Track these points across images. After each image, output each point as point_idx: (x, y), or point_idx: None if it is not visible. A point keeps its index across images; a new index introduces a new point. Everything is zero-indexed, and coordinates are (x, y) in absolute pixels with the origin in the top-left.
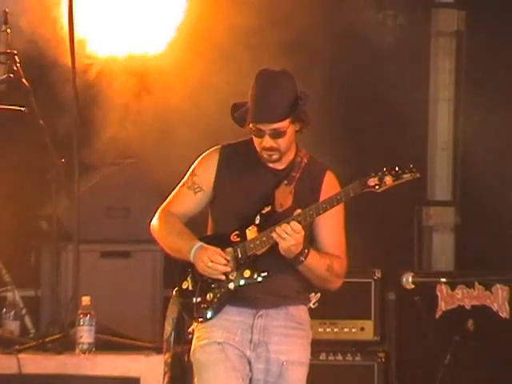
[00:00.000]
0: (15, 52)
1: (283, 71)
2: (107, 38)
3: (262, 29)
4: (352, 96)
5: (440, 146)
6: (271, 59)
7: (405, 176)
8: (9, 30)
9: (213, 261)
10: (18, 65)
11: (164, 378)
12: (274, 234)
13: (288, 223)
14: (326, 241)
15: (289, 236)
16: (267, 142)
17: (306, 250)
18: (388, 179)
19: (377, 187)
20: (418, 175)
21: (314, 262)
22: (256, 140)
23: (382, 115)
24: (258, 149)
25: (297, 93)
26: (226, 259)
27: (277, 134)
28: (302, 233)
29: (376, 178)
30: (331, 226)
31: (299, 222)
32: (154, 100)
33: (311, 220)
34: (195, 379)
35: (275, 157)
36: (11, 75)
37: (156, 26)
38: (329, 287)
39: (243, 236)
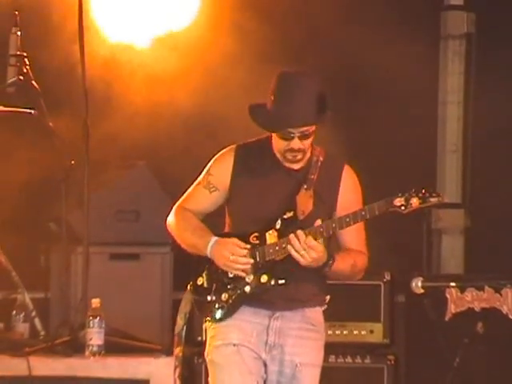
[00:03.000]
0: (25, 54)
1: (303, 72)
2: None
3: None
4: (360, 100)
5: (449, 148)
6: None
7: (432, 200)
8: (19, 33)
9: (234, 254)
10: (28, 67)
11: (175, 373)
12: (291, 250)
13: (296, 237)
14: (348, 237)
15: (306, 253)
16: (296, 144)
17: (331, 261)
18: (414, 201)
19: (403, 208)
20: (445, 200)
21: (340, 267)
22: (281, 143)
23: (391, 118)
24: (282, 150)
25: (323, 95)
26: (246, 248)
27: (306, 136)
28: (320, 248)
29: (402, 199)
30: None
31: (316, 237)
32: (163, 101)
33: (333, 232)
34: (209, 379)
35: (299, 157)
36: (21, 78)
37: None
38: (350, 280)
39: (263, 239)
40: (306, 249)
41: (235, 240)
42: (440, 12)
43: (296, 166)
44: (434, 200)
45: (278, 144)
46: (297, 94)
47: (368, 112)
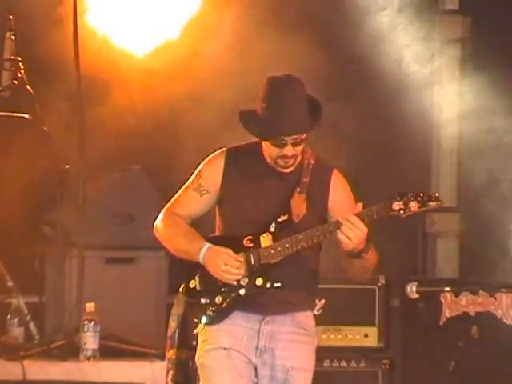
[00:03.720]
0: (19, 59)
1: (291, 77)
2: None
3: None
4: (356, 102)
5: (444, 152)
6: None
7: (431, 204)
8: (13, 37)
9: (227, 264)
10: (23, 71)
11: (167, 375)
12: (340, 236)
13: (349, 220)
14: None
15: (355, 236)
16: (289, 151)
17: (369, 246)
18: (413, 205)
19: (401, 212)
20: (444, 204)
21: (371, 255)
22: (273, 149)
23: (386, 122)
24: (274, 157)
25: (308, 96)
26: (239, 261)
27: (298, 142)
28: (366, 230)
29: (401, 203)
30: None
31: (362, 220)
32: (159, 105)
33: (331, 235)
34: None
35: (291, 163)
36: (15, 82)
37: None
38: (366, 278)
39: (257, 242)
40: (360, 236)
41: (229, 251)
42: (435, 16)
43: (287, 171)
44: (433, 204)
45: (269, 150)
46: (289, 100)
47: (363, 115)
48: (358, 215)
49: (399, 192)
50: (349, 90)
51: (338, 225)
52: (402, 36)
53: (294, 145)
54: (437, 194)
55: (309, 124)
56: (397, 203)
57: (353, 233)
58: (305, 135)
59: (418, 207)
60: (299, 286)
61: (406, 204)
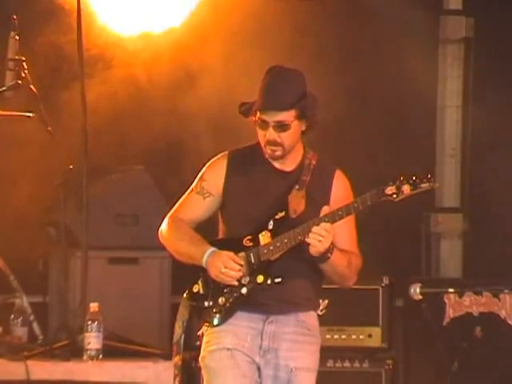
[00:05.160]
0: (23, 59)
1: (294, 69)
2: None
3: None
4: (360, 103)
5: (448, 152)
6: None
7: (423, 185)
8: (17, 37)
9: (226, 267)
10: (26, 71)
11: (174, 381)
12: (308, 240)
13: (318, 224)
14: (339, 238)
15: (324, 238)
16: (270, 134)
17: (332, 246)
18: (406, 188)
19: (394, 196)
20: (437, 185)
21: (337, 259)
22: (260, 133)
23: (390, 122)
24: (262, 143)
25: (305, 90)
26: (239, 264)
27: (280, 127)
28: (333, 232)
29: (393, 187)
30: (343, 223)
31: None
32: (162, 106)
33: None
34: None
35: (278, 153)
36: (19, 82)
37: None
38: (346, 284)
39: (256, 241)
40: (329, 238)
41: (231, 253)
42: (439, 16)
43: (287, 168)
44: (425, 185)
45: (260, 136)
46: (277, 83)
47: (366, 115)
48: (323, 220)
49: (392, 177)
50: (350, 92)
51: (335, 217)
52: (404, 35)
53: (276, 129)
54: (429, 175)
55: (285, 105)
56: (389, 188)
57: (327, 239)
58: (289, 122)
59: (411, 190)
60: (300, 285)
61: (398, 188)
